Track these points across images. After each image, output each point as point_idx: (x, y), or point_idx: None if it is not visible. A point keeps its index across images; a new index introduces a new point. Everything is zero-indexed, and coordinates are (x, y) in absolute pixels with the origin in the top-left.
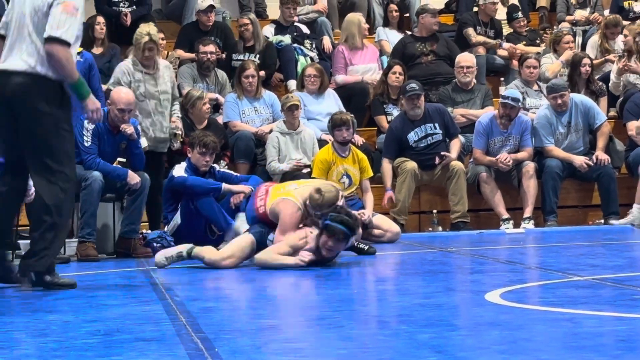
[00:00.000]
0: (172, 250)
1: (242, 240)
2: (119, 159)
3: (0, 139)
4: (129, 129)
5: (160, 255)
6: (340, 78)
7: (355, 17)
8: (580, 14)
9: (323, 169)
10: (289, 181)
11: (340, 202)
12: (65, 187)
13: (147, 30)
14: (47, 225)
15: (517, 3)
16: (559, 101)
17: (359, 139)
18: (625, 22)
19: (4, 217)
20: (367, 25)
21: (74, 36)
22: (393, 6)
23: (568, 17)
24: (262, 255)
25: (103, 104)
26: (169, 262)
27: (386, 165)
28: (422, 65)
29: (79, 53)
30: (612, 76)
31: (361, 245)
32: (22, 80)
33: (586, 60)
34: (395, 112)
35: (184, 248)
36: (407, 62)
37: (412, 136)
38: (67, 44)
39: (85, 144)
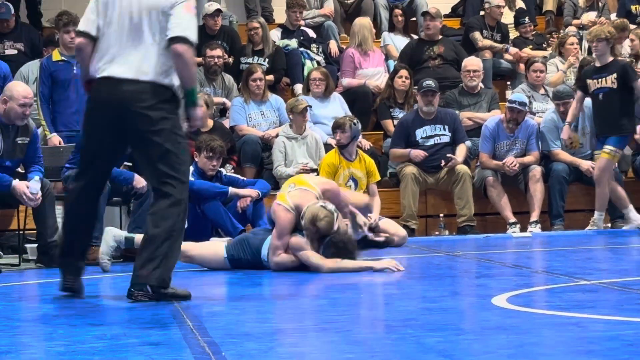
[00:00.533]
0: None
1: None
2: (125, 162)
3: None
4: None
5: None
6: (346, 81)
7: (367, 21)
8: (587, 18)
9: (330, 173)
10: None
11: (336, 226)
12: (178, 197)
13: None
14: (160, 237)
15: (524, 7)
16: (562, 109)
17: (365, 143)
18: (632, 26)
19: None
20: (374, 30)
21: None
22: (398, 11)
23: (575, 21)
24: (330, 264)
25: None
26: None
27: (396, 150)
28: (429, 69)
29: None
30: None
31: (377, 239)
32: (136, 88)
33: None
34: (401, 115)
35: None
36: (415, 66)
37: (420, 132)
38: (193, 45)
39: None
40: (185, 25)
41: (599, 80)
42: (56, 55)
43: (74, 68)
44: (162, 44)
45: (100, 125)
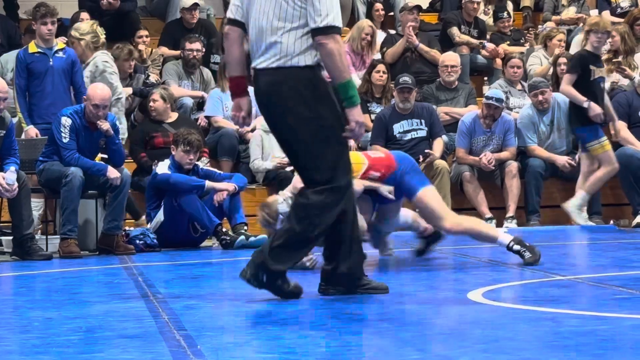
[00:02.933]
0: None
1: None
2: (101, 155)
3: None
4: (104, 125)
5: None
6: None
7: (361, 23)
8: (568, 14)
9: None
10: None
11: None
12: (326, 201)
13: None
14: (292, 233)
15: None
16: (540, 98)
17: (353, 145)
18: (612, 19)
19: None
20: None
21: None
22: (378, 5)
23: (554, 17)
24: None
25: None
26: None
27: (378, 147)
28: (407, 63)
29: (62, 49)
30: None
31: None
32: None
33: (562, 60)
34: (378, 110)
35: None
36: (393, 65)
37: (397, 127)
38: (339, 31)
39: (64, 140)
40: (328, 8)
41: (600, 69)
42: (32, 47)
43: (50, 60)
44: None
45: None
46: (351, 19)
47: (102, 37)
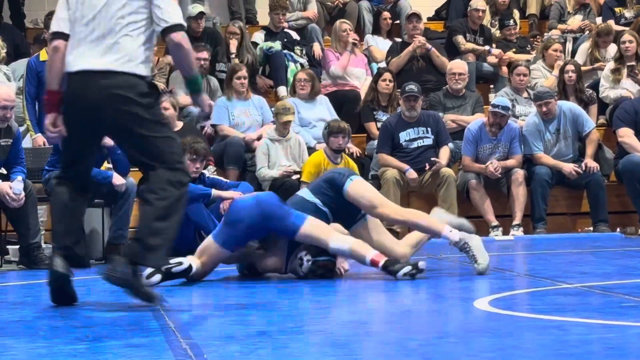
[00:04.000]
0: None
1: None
2: (107, 165)
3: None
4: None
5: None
6: (334, 69)
7: (338, 23)
8: (573, 22)
9: (313, 174)
10: None
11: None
12: (178, 177)
13: None
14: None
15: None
16: (544, 109)
17: (355, 150)
18: (617, 28)
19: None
20: (350, 33)
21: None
22: (386, 13)
23: (560, 26)
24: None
25: None
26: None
27: (384, 156)
28: (412, 71)
29: None
30: (602, 82)
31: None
32: (111, 82)
33: (569, 67)
34: (384, 118)
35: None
36: (399, 73)
37: (404, 135)
38: (185, 28)
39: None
40: (171, 11)
41: None
42: (44, 55)
43: None
44: (142, 31)
45: (78, 122)
46: (357, 27)
47: (3, 52)
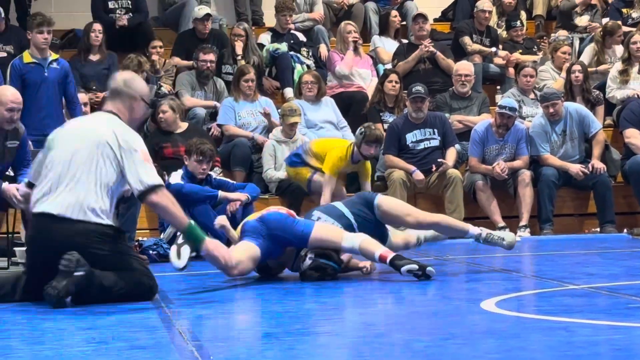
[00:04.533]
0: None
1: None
2: None
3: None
4: None
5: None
6: (339, 68)
7: (343, 24)
8: (580, 22)
9: (339, 169)
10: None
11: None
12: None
13: None
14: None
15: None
16: (551, 110)
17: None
18: (624, 29)
19: None
20: (354, 33)
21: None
22: (395, 12)
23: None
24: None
25: (79, 110)
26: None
27: (391, 157)
28: (419, 72)
29: (55, 60)
30: (609, 83)
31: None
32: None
33: (576, 67)
34: (390, 119)
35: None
36: (406, 75)
37: (410, 136)
38: (162, 187)
39: None
40: (147, 172)
41: None
42: (27, 57)
43: (45, 71)
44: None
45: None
46: (363, 28)
47: None
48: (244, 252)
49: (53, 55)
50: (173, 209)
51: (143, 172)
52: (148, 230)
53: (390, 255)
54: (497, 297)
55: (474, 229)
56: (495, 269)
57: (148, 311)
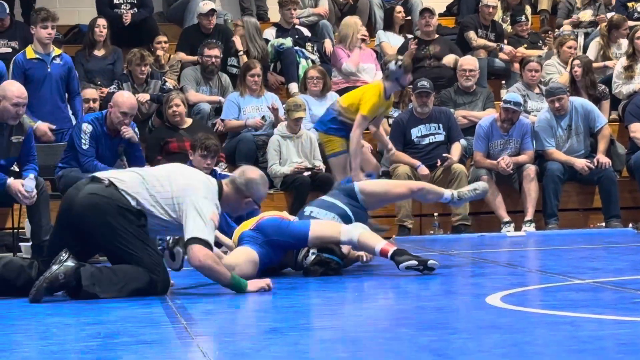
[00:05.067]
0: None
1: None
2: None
3: None
4: (127, 132)
5: None
6: (346, 66)
7: (352, 20)
8: (584, 16)
9: (375, 106)
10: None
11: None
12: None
13: None
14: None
15: (521, 6)
16: (557, 105)
17: (367, 145)
18: (630, 23)
19: None
20: (363, 29)
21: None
22: (399, 8)
23: (566, 21)
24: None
25: (79, 102)
26: None
27: (396, 153)
28: (424, 68)
29: (58, 55)
30: (615, 78)
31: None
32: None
33: (575, 62)
34: (395, 114)
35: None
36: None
37: (415, 131)
38: (204, 243)
39: (83, 146)
40: (197, 225)
41: None
42: (30, 53)
43: (48, 67)
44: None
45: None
46: (368, 23)
47: None
48: (240, 255)
49: (56, 51)
50: (212, 270)
51: (195, 222)
52: None
53: (391, 249)
54: (503, 291)
55: (447, 193)
56: (500, 264)
57: (153, 306)
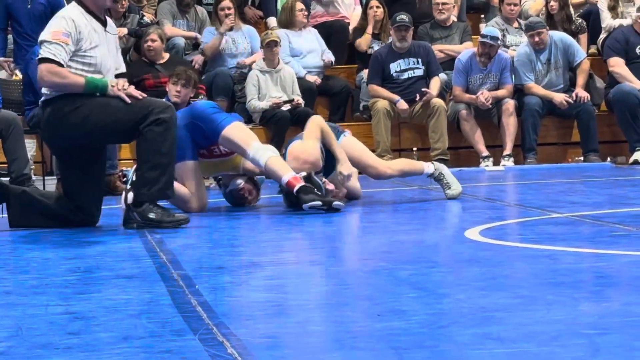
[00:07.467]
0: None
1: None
2: None
3: None
4: None
5: None
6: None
7: None
8: None
9: None
10: None
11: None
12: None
13: None
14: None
15: None
16: (537, 39)
17: (312, 78)
18: None
19: None
20: None
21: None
22: None
23: None
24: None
25: None
26: None
27: (375, 87)
28: (409, 5)
29: None
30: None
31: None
32: None
33: None
34: (376, 46)
35: None
36: (394, 2)
37: (394, 66)
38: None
39: None
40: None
41: None
42: None
43: (29, 4)
44: None
45: None
46: None
47: None
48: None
49: None
50: (63, 81)
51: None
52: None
53: (298, 184)
54: (481, 225)
55: (428, 168)
56: (479, 198)
57: (132, 241)
